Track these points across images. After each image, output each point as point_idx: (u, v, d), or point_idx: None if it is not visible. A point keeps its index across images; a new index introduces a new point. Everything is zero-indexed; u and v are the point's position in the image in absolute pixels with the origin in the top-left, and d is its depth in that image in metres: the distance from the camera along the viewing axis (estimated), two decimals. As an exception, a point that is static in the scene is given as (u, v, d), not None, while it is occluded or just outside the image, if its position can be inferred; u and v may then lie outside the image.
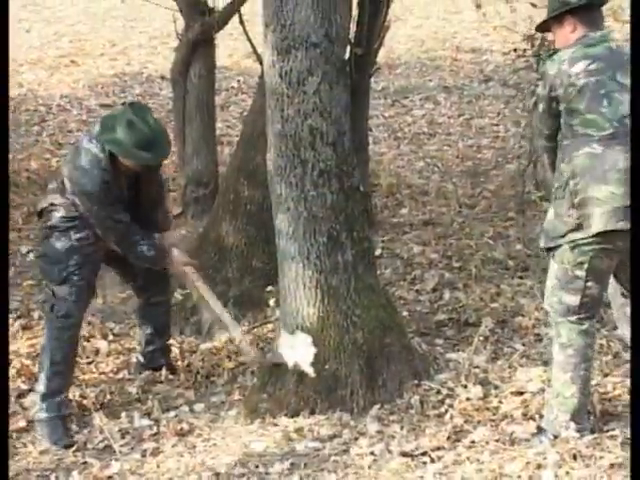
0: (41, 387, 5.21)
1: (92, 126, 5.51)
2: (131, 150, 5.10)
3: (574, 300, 4.52)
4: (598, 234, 4.38)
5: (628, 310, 4.71)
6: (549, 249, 4.59)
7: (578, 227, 4.42)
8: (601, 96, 4.44)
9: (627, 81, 4.44)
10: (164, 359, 5.75)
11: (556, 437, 4.55)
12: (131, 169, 5.25)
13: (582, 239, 4.42)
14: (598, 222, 4.38)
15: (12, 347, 5.92)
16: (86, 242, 5.25)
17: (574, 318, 4.54)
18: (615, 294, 4.80)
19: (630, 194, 4.30)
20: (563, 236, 4.47)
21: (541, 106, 4.61)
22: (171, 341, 5.97)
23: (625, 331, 4.81)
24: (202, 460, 4.73)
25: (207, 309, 5.73)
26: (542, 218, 5.17)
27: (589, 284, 4.50)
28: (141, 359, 5.75)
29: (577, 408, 4.57)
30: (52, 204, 5.29)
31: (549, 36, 6.93)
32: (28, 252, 7.48)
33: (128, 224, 5.26)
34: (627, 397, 4.93)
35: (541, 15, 6.64)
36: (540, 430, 4.64)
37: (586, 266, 4.46)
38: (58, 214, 5.26)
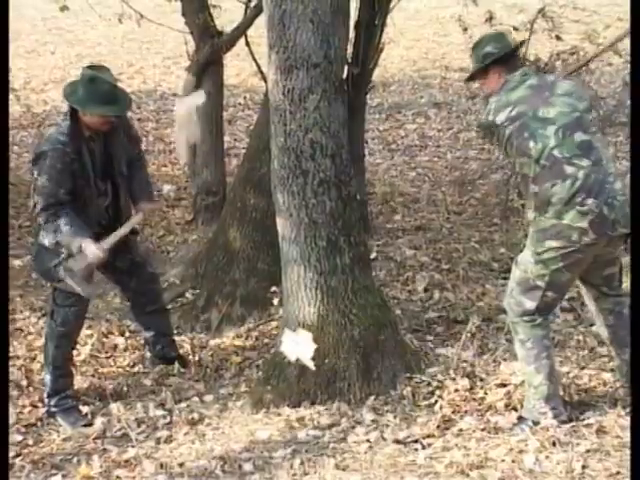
0: (47, 388, 5.24)
1: None
2: (94, 105, 4.95)
3: (531, 305, 4.58)
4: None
5: (603, 310, 4.76)
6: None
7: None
8: (526, 139, 4.46)
9: (550, 113, 4.47)
10: (174, 351, 5.73)
11: (536, 424, 4.56)
12: (95, 130, 5.07)
13: (544, 254, 4.49)
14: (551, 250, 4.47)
15: (38, 343, 5.94)
16: None
17: (528, 318, 4.61)
18: (589, 296, 4.82)
19: (566, 215, 4.40)
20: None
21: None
22: (183, 337, 5.99)
23: (598, 328, 4.90)
24: (211, 447, 4.73)
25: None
26: (524, 224, 5.19)
27: (547, 293, 4.56)
28: (154, 357, 5.75)
29: (548, 393, 4.59)
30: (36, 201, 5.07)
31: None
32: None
33: (60, 199, 4.95)
34: (602, 388, 4.96)
35: (522, 37, 6.69)
36: (521, 419, 4.65)
37: (547, 279, 4.52)
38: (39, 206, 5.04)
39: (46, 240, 5.07)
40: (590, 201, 4.38)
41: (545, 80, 4.70)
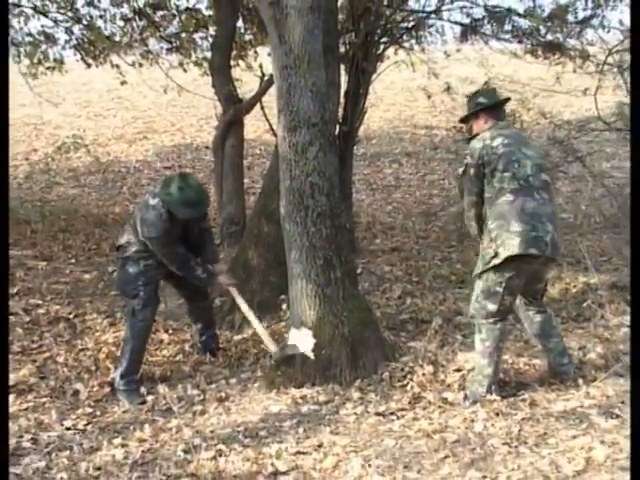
0: (122, 369, 5.22)
1: (155, 186, 5.49)
2: (180, 207, 5.06)
3: (494, 307, 4.55)
4: (512, 258, 4.40)
5: (530, 314, 4.82)
6: (481, 273, 4.58)
7: (496, 254, 4.45)
8: (512, 161, 4.51)
9: (529, 152, 4.58)
10: (214, 344, 5.76)
11: (475, 402, 4.57)
12: (182, 219, 5.19)
13: (500, 264, 4.44)
14: (512, 249, 4.40)
15: (102, 338, 5.96)
16: (151, 268, 5.27)
17: (492, 320, 4.58)
18: (520, 304, 4.85)
19: (537, 228, 4.38)
20: (488, 263, 4.50)
21: (472, 171, 4.59)
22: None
23: (527, 327, 4.92)
24: (235, 418, 4.72)
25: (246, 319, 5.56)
26: (475, 246, 5.20)
27: (505, 297, 4.54)
28: (199, 346, 5.76)
29: (490, 383, 4.60)
30: (128, 242, 5.30)
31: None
32: (113, 271, 7.47)
33: (185, 255, 5.26)
34: (533, 371, 4.96)
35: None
36: (466, 397, 4.65)
37: (504, 284, 4.50)
38: (132, 248, 5.27)
39: (131, 269, 5.26)
40: (545, 224, 4.43)
41: (520, 133, 4.81)
